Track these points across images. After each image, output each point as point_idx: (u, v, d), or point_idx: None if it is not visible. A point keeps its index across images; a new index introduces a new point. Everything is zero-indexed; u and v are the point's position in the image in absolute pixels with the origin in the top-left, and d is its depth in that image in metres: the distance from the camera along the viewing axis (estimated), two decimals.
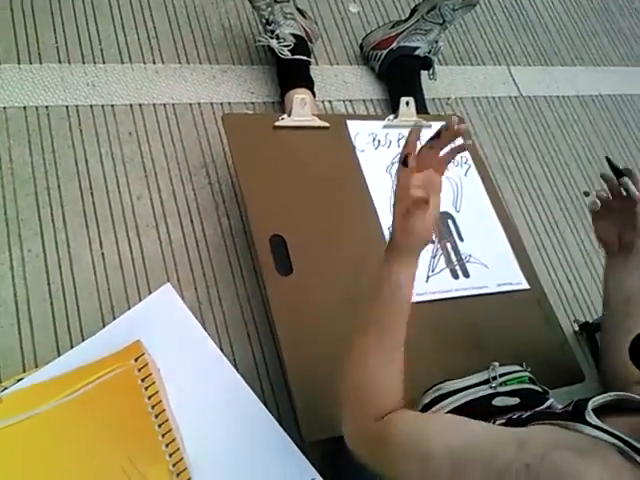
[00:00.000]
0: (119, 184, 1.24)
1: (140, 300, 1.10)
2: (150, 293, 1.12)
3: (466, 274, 1.26)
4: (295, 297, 1.11)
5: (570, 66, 1.93)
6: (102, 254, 1.16)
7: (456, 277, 1.25)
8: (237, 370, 1.03)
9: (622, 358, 0.86)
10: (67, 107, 1.27)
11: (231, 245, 1.26)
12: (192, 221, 1.26)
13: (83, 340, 1.02)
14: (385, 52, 1.58)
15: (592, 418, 0.66)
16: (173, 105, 1.36)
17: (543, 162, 1.71)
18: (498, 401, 0.88)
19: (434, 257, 1.27)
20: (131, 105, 1.33)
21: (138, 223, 1.21)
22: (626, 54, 2.07)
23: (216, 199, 1.30)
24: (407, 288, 0.79)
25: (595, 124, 1.84)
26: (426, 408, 0.91)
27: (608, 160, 1.02)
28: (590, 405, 0.70)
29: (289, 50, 1.45)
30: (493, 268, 1.28)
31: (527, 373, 0.94)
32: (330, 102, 1.51)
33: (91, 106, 1.29)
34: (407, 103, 1.39)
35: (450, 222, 1.32)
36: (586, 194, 1.73)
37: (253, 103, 1.44)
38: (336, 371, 0.82)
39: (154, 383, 0.96)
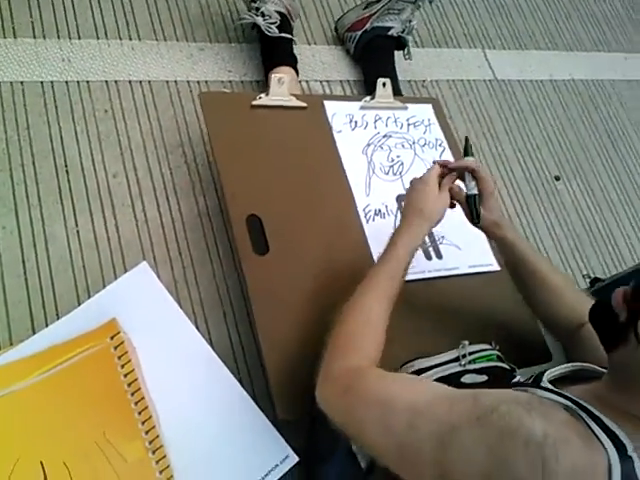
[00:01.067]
0: (94, 162, 1.23)
1: (116, 279, 1.10)
2: (126, 272, 1.13)
3: (439, 255, 1.29)
4: (271, 276, 1.12)
5: (544, 50, 1.96)
6: (77, 232, 1.16)
7: (429, 258, 1.28)
8: (213, 349, 1.05)
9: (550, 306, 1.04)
10: (42, 83, 1.26)
11: (207, 224, 1.27)
12: (168, 200, 1.26)
13: (58, 318, 1.03)
14: (359, 33, 1.58)
15: (545, 383, 0.71)
16: (149, 82, 1.35)
17: (515, 146, 1.74)
18: (467, 378, 0.91)
19: None
20: (107, 82, 1.31)
21: (114, 201, 1.21)
22: (598, 39, 2.10)
23: (192, 178, 1.30)
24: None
25: (567, 109, 1.88)
26: None
27: (467, 139, 1.09)
28: (546, 375, 0.74)
29: (276, 27, 1.45)
30: (465, 250, 1.31)
31: (496, 352, 0.97)
32: (307, 82, 1.52)
33: (66, 82, 1.28)
34: (384, 84, 1.39)
35: None
36: (557, 178, 1.77)
37: (231, 82, 1.44)
38: (310, 350, 0.88)
39: (130, 361, 0.97)
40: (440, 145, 1.43)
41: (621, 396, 0.67)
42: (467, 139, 1.08)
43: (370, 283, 0.91)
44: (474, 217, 1.02)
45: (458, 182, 1.04)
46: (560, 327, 1.04)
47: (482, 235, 1.15)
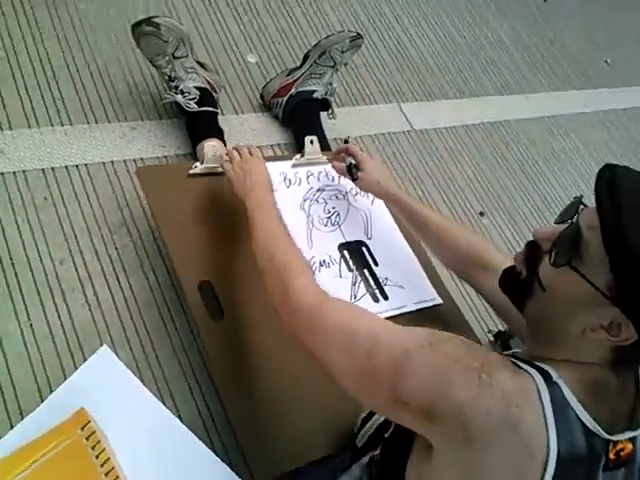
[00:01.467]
0: (39, 251, 1.22)
1: (75, 367, 1.09)
2: (85, 358, 1.12)
3: (385, 297, 1.35)
4: (230, 340, 1.15)
5: (453, 99, 2.11)
6: (31, 325, 1.14)
7: (376, 300, 1.34)
8: (183, 423, 1.05)
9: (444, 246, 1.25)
10: None
11: (160, 299, 1.27)
12: (119, 280, 1.26)
13: (22, 417, 1.00)
14: (285, 99, 1.66)
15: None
16: (86, 165, 1.37)
17: (440, 187, 1.85)
18: None
19: (354, 284, 1.35)
20: (43, 169, 1.32)
21: (64, 288, 1.20)
22: (500, 84, 2.28)
23: (140, 255, 1.31)
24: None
25: (481, 150, 2.02)
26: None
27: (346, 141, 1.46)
28: None
29: (195, 103, 1.50)
30: (409, 288, 1.38)
31: None
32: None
33: (2, 174, 1.27)
34: (311, 141, 1.47)
35: (364, 249, 1.42)
36: (481, 214, 1.89)
37: (166, 156, 1.47)
38: (277, 407, 1.01)
39: (104, 450, 0.96)
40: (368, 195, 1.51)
41: (542, 347, 0.79)
42: (346, 140, 1.48)
43: (265, 225, 1.07)
44: (353, 177, 1.35)
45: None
46: (466, 264, 1.22)
47: (421, 272, 1.25)
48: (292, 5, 2.01)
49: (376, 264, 1.39)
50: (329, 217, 1.43)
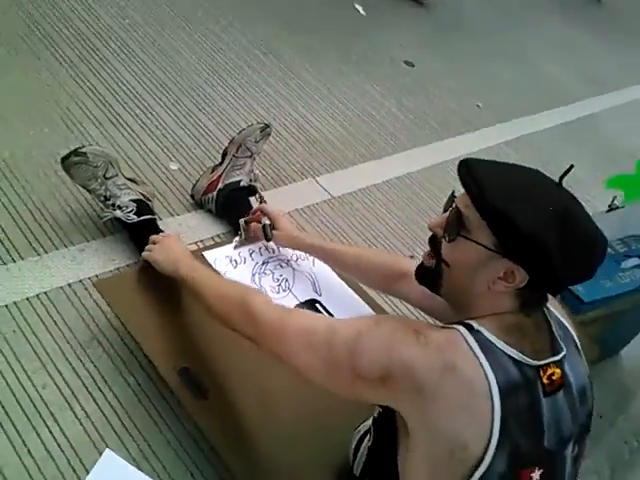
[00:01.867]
0: (20, 380, 1.27)
1: None
2: (86, 470, 1.17)
3: None
4: (220, 413, 1.24)
5: (359, 164, 2.33)
6: (28, 451, 1.17)
7: None
8: None
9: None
10: None
11: (144, 398, 1.34)
12: (101, 391, 1.32)
13: None
14: (215, 194, 1.81)
15: None
16: (45, 293, 1.44)
17: (370, 243, 2.03)
18: None
19: None
20: (6, 305, 1.38)
21: (52, 410, 1.25)
22: (394, 143, 2.53)
23: (115, 362, 1.37)
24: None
25: (396, 203, 2.23)
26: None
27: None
28: None
29: (134, 214, 1.62)
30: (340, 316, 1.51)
31: None
32: None
33: None
34: (245, 222, 1.64)
35: (318, 305, 1.56)
36: (411, 257, 2.07)
37: (118, 268, 1.56)
38: (280, 460, 1.17)
39: None
40: (307, 256, 1.66)
41: (462, 313, 0.97)
42: (261, 198, 1.76)
43: (208, 280, 1.25)
44: (266, 237, 1.57)
45: None
46: (388, 279, 1.40)
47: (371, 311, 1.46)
48: (195, 112, 2.20)
49: (332, 316, 1.52)
50: (279, 284, 1.57)
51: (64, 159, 1.60)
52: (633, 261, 1.75)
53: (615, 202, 1.67)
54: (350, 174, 2.26)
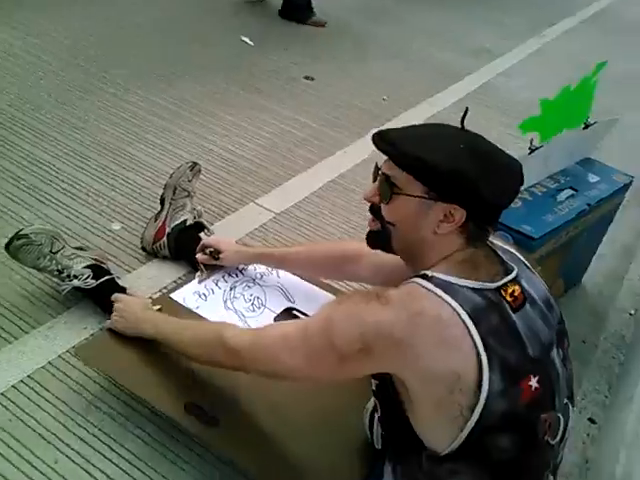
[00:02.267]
0: (32, 463, 1.26)
1: None
2: None
3: None
4: (236, 437, 1.25)
5: (292, 177, 2.39)
6: None
7: None
8: None
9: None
10: None
11: (158, 445, 1.34)
12: (114, 451, 1.31)
13: None
14: (165, 239, 1.83)
15: None
16: (29, 376, 1.42)
17: None
18: None
19: None
20: None
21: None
22: (318, 152, 2.62)
23: (119, 421, 1.37)
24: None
25: (336, 203, 2.30)
26: None
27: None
28: None
29: (92, 279, 1.62)
30: None
31: None
32: (151, 297, 1.69)
33: None
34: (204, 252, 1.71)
35: (295, 312, 1.61)
36: None
37: (92, 334, 1.55)
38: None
39: None
40: (270, 271, 1.72)
41: (418, 265, 1.04)
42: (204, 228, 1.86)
43: (175, 331, 1.30)
44: (215, 259, 1.67)
45: None
46: (344, 264, 1.48)
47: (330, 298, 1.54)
48: (121, 172, 2.21)
49: None
50: (252, 303, 1.62)
51: (8, 245, 1.59)
52: (566, 193, 1.88)
53: (534, 143, 1.80)
54: (286, 189, 2.32)
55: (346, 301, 1.03)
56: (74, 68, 2.84)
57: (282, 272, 1.69)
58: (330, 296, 1.63)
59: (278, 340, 1.07)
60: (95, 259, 1.69)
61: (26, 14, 3.23)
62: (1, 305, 1.59)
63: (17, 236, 1.59)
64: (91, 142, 2.35)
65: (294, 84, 3.16)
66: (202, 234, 1.87)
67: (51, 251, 1.62)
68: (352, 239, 1.54)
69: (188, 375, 1.35)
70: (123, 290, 1.63)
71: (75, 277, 1.61)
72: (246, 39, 3.54)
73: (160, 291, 1.72)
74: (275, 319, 1.55)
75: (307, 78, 3.21)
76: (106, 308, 1.60)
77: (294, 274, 1.68)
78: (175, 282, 1.76)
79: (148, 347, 1.38)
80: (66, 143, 2.31)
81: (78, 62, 2.89)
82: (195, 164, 1.96)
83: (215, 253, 1.67)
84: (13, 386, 1.39)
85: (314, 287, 1.67)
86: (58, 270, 1.62)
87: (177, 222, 1.84)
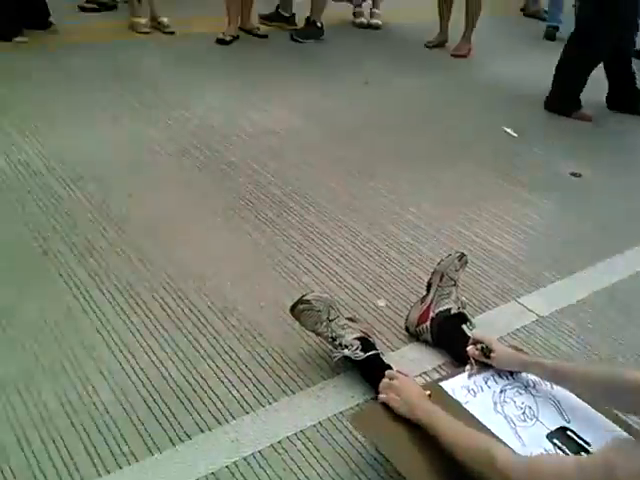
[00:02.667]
0: None
1: None
2: None
3: None
4: None
5: (557, 280, 2.33)
6: None
7: None
8: None
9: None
10: None
11: None
12: None
13: None
14: (429, 323, 1.90)
15: None
16: (302, 431, 1.57)
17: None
18: None
19: None
20: (272, 444, 1.52)
21: None
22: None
23: None
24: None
25: (613, 318, 2.18)
26: None
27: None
28: None
29: (360, 351, 1.73)
30: None
31: None
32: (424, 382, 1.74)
33: (235, 462, 1.47)
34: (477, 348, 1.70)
35: (570, 433, 1.49)
36: None
37: (358, 404, 1.66)
38: None
39: None
40: (543, 381, 1.65)
41: None
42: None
43: (448, 426, 1.35)
44: (486, 357, 1.65)
45: None
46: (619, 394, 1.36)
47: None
48: (384, 250, 2.36)
49: (588, 445, 1.46)
50: (524, 412, 1.56)
51: (293, 308, 1.79)
52: None
53: None
54: (550, 292, 2.26)
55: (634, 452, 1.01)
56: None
57: (557, 386, 1.63)
58: (609, 423, 1.52)
59: (555, 476, 1.09)
60: (363, 332, 1.81)
61: None
62: (283, 359, 1.78)
63: (301, 301, 1.78)
64: (363, 221, 2.56)
65: (559, 179, 3.11)
66: (464, 326, 1.90)
67: (328, 318, 1.79)
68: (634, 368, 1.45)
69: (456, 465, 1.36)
70: (388, 367, 1.72)
71: (346, 347, 1.74)
72: (509, 130, 3.59)
73: (420, 375, 1.78)
74: (547, 436, 1.49)
75: (574, 175, 3.13)
76: (372, 381, 1.71)
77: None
78: (435, 370, 1.81)
79: (418, 428, 1.43)
80: (339, 217, 2.56)
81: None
82: (463, 255, 2.01)
83: (487, 350, 1.67)
84: (287, 437, 1.54)
85: (591, 409, 1.56)
86: (332, 337, 1.77)
87: (441, 309, 1.90)
